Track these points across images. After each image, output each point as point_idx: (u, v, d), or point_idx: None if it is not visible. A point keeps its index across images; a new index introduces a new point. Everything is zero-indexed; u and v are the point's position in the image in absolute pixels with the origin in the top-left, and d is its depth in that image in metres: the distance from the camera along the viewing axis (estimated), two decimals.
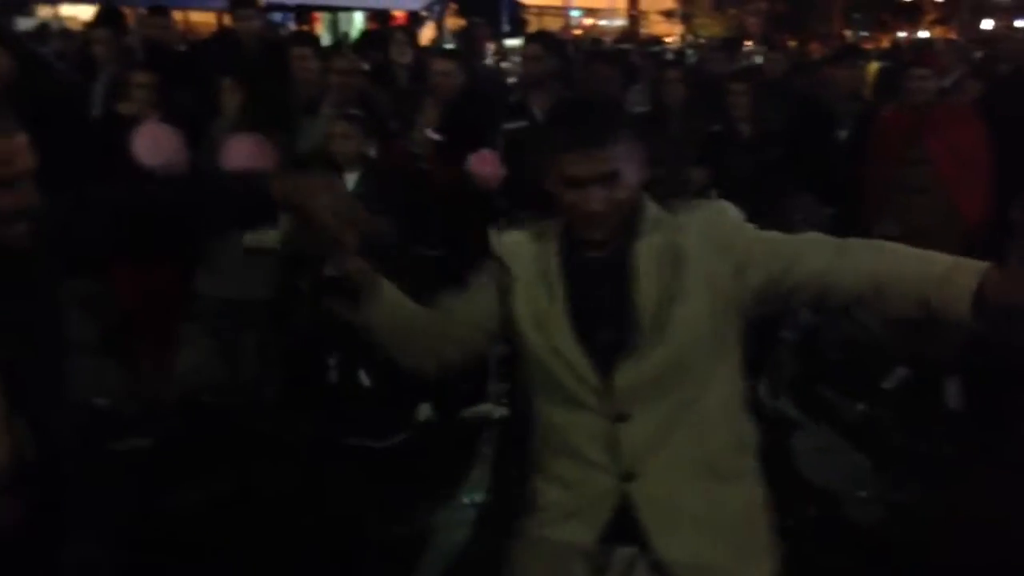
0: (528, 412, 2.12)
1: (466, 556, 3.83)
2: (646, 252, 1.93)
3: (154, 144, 4.29)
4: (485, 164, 4.58)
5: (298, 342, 5.02)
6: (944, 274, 1.77)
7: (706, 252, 1.91)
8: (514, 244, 2.06)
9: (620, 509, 1.95)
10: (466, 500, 4.21)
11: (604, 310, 1.94)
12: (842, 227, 6.12)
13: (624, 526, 1.95)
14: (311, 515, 4.02)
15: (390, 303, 2.00)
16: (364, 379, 5.06)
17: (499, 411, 5.05)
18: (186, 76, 5.04)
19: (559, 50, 5.28)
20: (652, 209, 1.99)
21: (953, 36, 26.58)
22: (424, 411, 4.97)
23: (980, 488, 4.38)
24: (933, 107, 5.19)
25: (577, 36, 26.55)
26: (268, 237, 4.59)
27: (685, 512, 1.94)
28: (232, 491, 4.14)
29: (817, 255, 1.89)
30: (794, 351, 5.75)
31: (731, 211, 2.00)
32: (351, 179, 4.46)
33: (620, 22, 39.56)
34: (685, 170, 5.04)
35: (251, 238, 4.58)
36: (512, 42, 15.30)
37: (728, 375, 1.99)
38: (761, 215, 2.13)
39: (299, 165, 4.65)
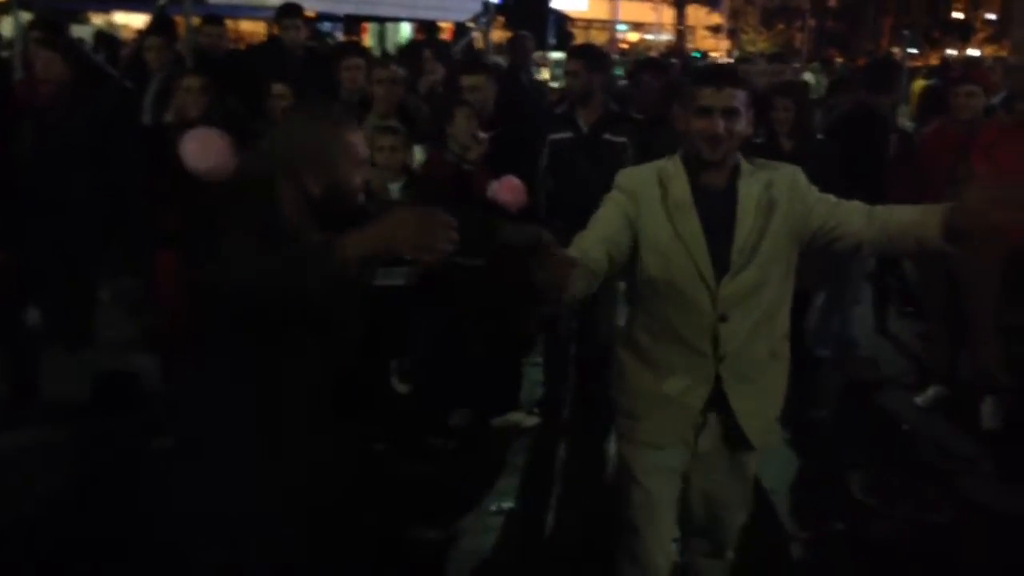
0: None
1: (492, 563, 3.86)
2: (746, 195, 2.60)
3: (202, 148, 4.37)
4: (507, 191, 4.58)
5: None
6: (923, 217, 2.49)
7: (789, 202, 2.61)
8: (639, 179, 2.68)
9: (716, 382, 2.66)
10: (494, 507, 4.25)
11: (719, 232, 2.58)
12: None
13: (714, 396, 2.68)
14: (339, 517, 4.07)
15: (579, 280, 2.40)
16: (398, 385, 5.12)
17: (530, 420, 5.08)
18: (233, 82, 5.14)
19: (603, 64, 5.30)
20: (745, 162, 2.65)
21: (1004, 54, 26.16)
22: (457, 417, 5.01)
23: (1013, 508, 4.35)
24: (980, 124, 5.12)
25: (624, 50, 26.56)
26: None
27: (755, 381, 2.70)
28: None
29: (856, 218, 2.59)
30: (833, 367, 5.72)
31: (802, 174, 2.69)
32: (394, 188, 4.52)
33: (667, 37, 39.51)
34: None
35: None
36: (558, 55, 15.36)
37: (789, 286, 2.72)
38: None
39: None
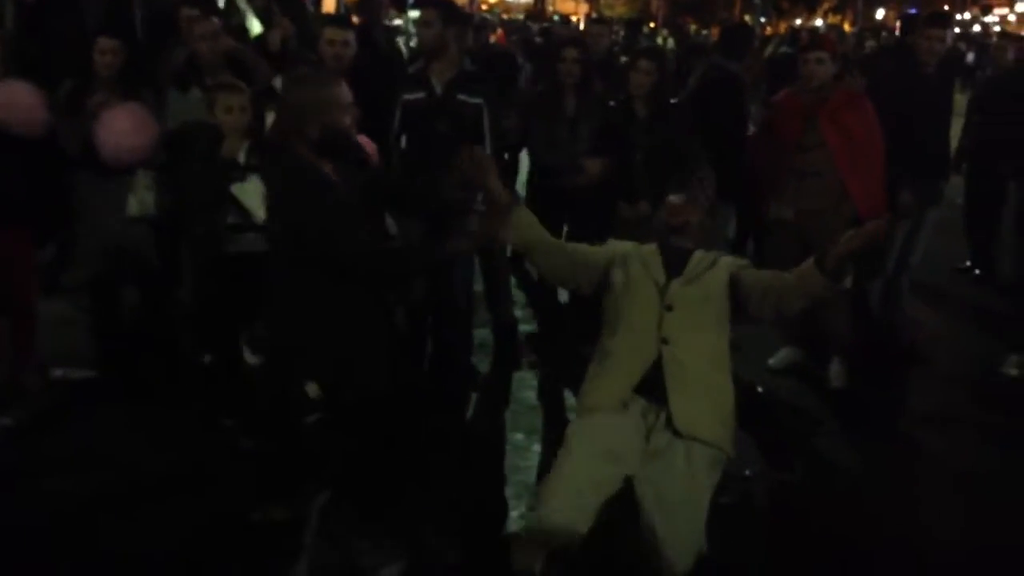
0: None
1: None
2: (698, 253, 3.46)
3: (8, 101, 4.05)
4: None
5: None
6: (801, 271, 3.23)
7: (726, 267, 3.43)
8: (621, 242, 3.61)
9: (655, 364, 3.23)
10: None
11: (674, 260, 3.42)
12: (742, 213, 6.20)
13: (653, 382, 3.21)
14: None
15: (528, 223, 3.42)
16: (249, 357, 4.89)
17: None
18: (46, 31, 4.73)
19: (458, 17, 5.10)
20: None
21: (847, 25, 27.24)
22: (313, 389, 4.81)
23: (862, 465, 4.49)
24: (829, 91, 5.19)
25: (484, 10, 26.35)
26: (149, 204, 4.44)
27: (693, 377, 3.23)
28: (110, 477, 3.98)
29: (759, 276, 3.40)
30: None
31: (743, 260, 3.56)
32: (241, 151, 4.24)
33: None
34: (580, 158, 4.98)
35: (136, 206, 4.42)
36: (417, 14, 15.04)
37: (724, 334, 3.40)
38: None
39: (183, 135, 4.43)
